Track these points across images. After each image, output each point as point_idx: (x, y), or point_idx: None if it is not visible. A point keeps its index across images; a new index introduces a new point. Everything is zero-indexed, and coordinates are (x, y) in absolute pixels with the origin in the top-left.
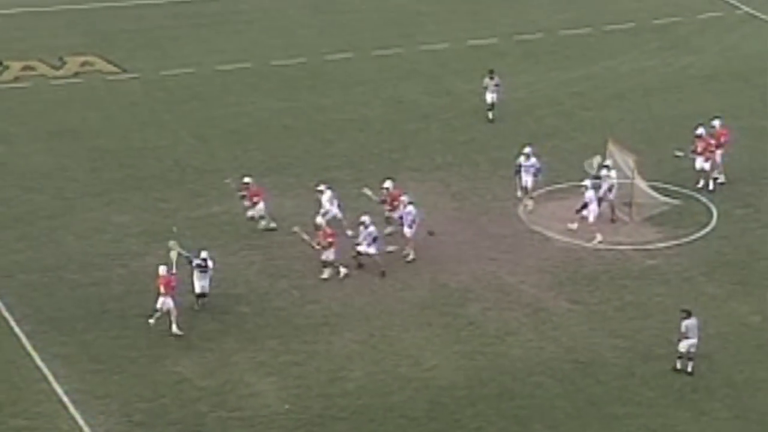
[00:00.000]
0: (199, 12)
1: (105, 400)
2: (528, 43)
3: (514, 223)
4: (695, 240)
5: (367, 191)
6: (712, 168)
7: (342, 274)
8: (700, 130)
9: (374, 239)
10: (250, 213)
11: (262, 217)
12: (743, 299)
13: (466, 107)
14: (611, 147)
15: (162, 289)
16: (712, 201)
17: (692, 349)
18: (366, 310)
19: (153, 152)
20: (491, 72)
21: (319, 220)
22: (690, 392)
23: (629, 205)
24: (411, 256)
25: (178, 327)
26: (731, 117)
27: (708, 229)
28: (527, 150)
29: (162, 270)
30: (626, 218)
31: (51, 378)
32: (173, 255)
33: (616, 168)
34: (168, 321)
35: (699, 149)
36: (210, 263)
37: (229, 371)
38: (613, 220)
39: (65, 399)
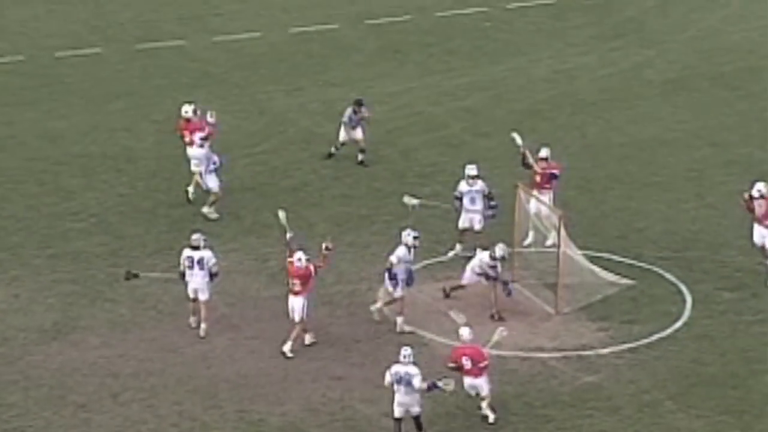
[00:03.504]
0: None
1: None
2: (388, 31)
3: (371, 317)
4: (659, 341)
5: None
6: None
7: None
8: (760, 186)
9: None
10: None
11: None
12: None
13: (292, 134)
14: (522, 195)
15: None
16: (684, 280)
17: None
18: None
19: None
20: (359, 103)
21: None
22: None
23: (554, 287)
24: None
25: None
26: (712, 144)
27: (679, 323)
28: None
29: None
30: (549, 308)
31: None
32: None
33: (534, 229)
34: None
35: (755, 209)
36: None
37: None
38: (493, 315)
39: None
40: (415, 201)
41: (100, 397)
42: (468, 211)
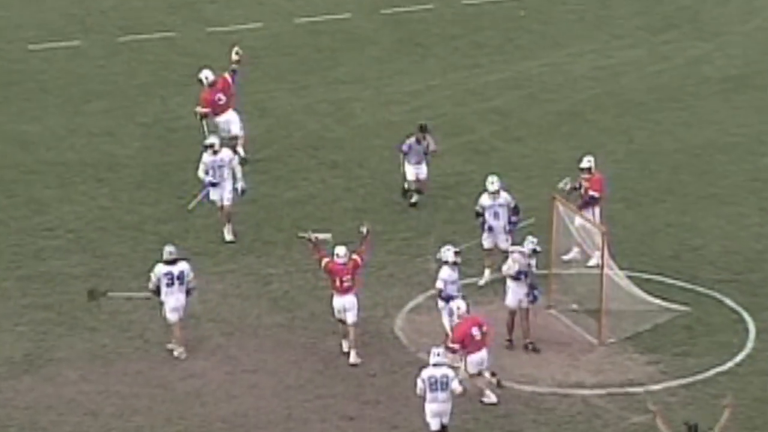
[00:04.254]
0: None
1: None
2: (407, 22)
3: (387, 347)
4: (717, 376)
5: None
6: None
7: None
8: None
9: None
10: None
11: None
12: None
13: (297, 138)
14: (560, 208)
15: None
16: (746, 306)
17: None
18: None
19: None
20: (423, 130)
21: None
22: None
23: (597, 314)
24: None
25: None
26: None
27: (741, 356)
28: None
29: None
30: (592, 338)
31: None
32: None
33: (578, 245)
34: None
35: None
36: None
37: None
38: (527, 346)
39: None
40: (458, 248)
41: None
42: (491, 228)
